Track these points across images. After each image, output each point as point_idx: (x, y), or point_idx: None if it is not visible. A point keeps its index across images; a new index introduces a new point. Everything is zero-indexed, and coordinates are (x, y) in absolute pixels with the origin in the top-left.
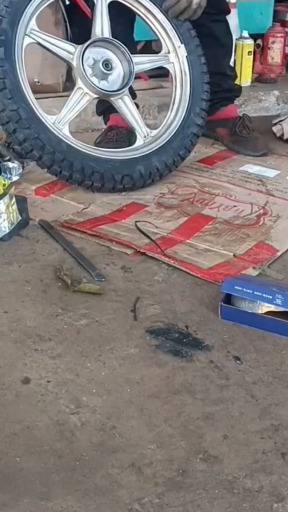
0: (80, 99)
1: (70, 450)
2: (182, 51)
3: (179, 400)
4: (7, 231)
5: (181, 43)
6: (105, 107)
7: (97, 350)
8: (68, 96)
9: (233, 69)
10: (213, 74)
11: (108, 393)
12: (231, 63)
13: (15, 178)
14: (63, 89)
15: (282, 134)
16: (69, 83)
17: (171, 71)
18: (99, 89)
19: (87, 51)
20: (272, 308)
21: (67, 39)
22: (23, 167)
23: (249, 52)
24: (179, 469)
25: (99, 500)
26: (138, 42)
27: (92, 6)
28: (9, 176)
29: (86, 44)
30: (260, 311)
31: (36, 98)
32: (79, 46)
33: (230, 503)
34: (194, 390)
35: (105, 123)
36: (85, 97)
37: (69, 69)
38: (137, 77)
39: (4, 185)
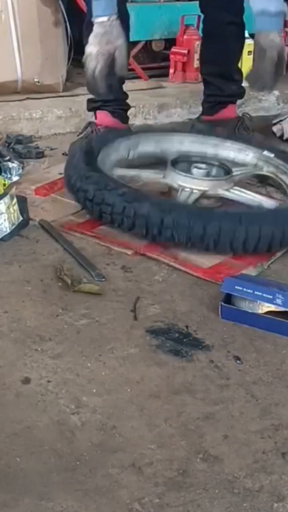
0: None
1: (70, 450)
2: None
3: (179, 400)
4: (8, 231)
5: None
6: (94, 105)
7: (97, 350)
8: (68, 96)
9: (241, 73)
10: (217, 76)
11: (108, 393)
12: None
13: (15, 178)
14: (63, 89)
15: (282, 134)
16: (68, 83)
17: None
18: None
19: None
20: (273, 308)
21: (67, 40)
22: (23, 167)
23: (249, 52)
24: (179, 469)
25: (99, 500)
26: (138, 42)
27: None
28: (9, 176)
29: None
30: (260, 311)
31: (36, 98)
32: None
33: (231, 503)
34: (195, 390)
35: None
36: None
37: (69, 69)
38: (137, 76)
39: (4, 185)
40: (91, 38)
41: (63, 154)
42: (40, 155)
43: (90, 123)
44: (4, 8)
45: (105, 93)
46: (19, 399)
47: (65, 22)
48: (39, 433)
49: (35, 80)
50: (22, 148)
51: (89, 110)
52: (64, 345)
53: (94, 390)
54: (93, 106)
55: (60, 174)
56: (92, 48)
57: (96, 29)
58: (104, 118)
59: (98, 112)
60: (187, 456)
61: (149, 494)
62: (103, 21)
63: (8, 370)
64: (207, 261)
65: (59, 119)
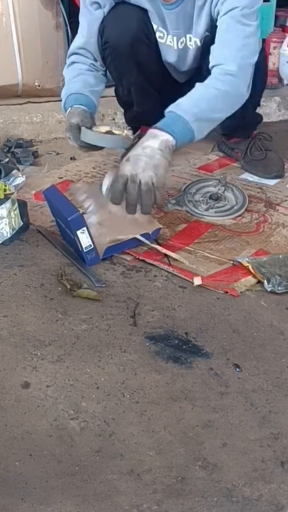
0: None
1: (69, 455)
2: None
3: (179, 407)
4: (9, 236)
5: None
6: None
7: (97, 356)
8: None
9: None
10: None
11: (107, 398)
12: None
13: (15, 183)
14: None
15: None
16: None
17: None
18: None
19: None
20: None
21: (68, 43)
22: (21, 172)
23: None
24: (178, 476)
25: (98, 505)
26: None
27: None
28: (10, 180)
29: None
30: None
31: (37, 102)
32: None
33: (229, 511)
34: (194, 397)
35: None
36: None
37: None
38: None
39: (4, 190)
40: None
41: (71, 158)
42: (35, 154)
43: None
44: (5, 12)
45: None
46: (19, 404)
47: (66, 25)
48: (38, 438)
49: (36, 83)
50: (21, 152)
51: (128, 124)
52: (63, 350)
53: (93, 396)
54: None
55: (60, 178)
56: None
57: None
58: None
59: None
60: (186, 463)
61: (148, 501)
62: (68, 112)
63: (7, 375)
64: (206, 268)
65: (60, 123)
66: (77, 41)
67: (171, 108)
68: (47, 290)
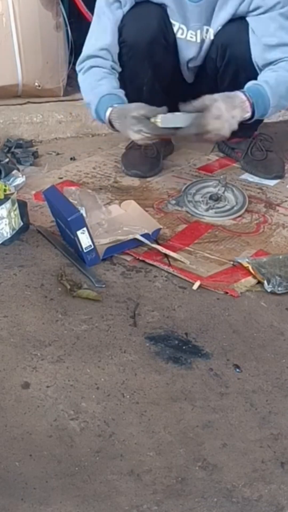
0: None
1: (69, 455)
2: None
3: (179, 407)
4: (9, 236)
5: None
6: None
7: (97, 356)
8: (68, 100)
9: None
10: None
11: (107, 399)
12: None
13: (15, 183)
14: (63, 94)
15: None
16: (69, 88)
17: None
18: None
19: None
20: None
21: (68, 44)
22: (21, 172)
23: None
24: (178, 476)
25: (98, 506)
26: None
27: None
28: (10, 180)
29: None
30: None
31: (37, 102)
32: None
33: None
34: (194, 397)
35: None
36: None
37: (70, 73)
38: None
39: (4, 190)
40: (118, 128)
41: (71, 159)
42: (35, 155)
43: None
44: (5, 12)
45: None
46: (19, 404)
47: (66, 26)
48: (38, 438)
49: (36, 84)
50: (21, 152)
51: None
52: (63, 351)
53: (93, 396)
54: None
55: (60, 178)
56: (118, 124)
57: (114, 120)
58: None
59: None
60: (186, 464)
61: (148, 501)
62: (111, 111)
63: (7, 375)
64: (206, 269)
65: (60, 123)
66: (98, 43)
67: (264, 83)
68: (47, 290)
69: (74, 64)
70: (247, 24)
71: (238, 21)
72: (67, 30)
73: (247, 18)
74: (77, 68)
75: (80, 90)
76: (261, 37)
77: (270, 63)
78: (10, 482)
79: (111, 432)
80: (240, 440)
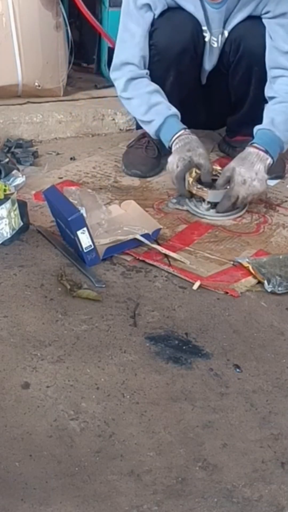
0: None
1: (69, 455)
2: None
3: (179, 407)
4: (9, 236)
5: None
6: None
7: (97, 356)
8: (68, 100)
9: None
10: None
11: (107, 399)
12: None
13: (15, 183)
14: (63, 94)
15: None
16: (69, 88)
17: None
18: None
19: None
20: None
21: (68, 44)
22: (21, 172)
23: None
24: (178, 476)
25: (98, 506)
26: None
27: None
28: (10, 180)
29: None
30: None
31: (37, 102)
32: None
33: None
34: (194, 397)
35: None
36: None
37: (70, 73)
38: None
39: (4, 190)
40: (173, 151)
41: (70, 158)
42: (35, 155)
43: (144, 135)
44: (5, 12)
45: (183, 192)
46: (18, 404)
47: (66, 26)
48: (38, 439)
49: (36, 84)
50: (21, 152)
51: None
52: (63, 351)
53: (93, 396)
54: None
55: (60, 178)
56: (172, 157)
57: (176, 144)
58: None
59: None
60: (186, 464)
61: (148, 502)
62: (179, 135)
63: (7, 375)
64: (206, 269)
65: (60, 123)
66: (131, 50)
67: (270, 125)
68: (47, 290)
69: (74, 64)
70: (261, 22)
71: (252, 18)
72: (67, 30)
73: (264, 21)
74: (112, 75)
75: (80, 90)
76: (274, 40)
77: (280, 69)
78: (10, 482)
79: (111, 432)
80: (240, 440)
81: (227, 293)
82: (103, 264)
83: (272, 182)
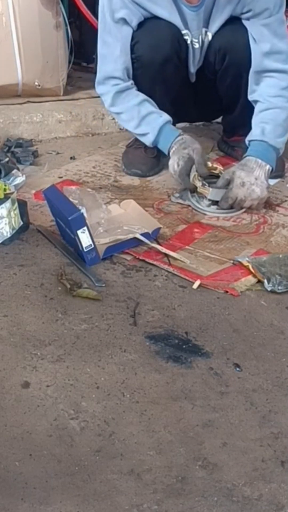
0: None
1: (69, 455)
2: None
3: (179, 406)
4: (9, 235)
5: None
6: None
7: (97, 355)
8: (68, 100)
9: None
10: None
11: (107, 398)
12: None
13: (15, 183)
14: (63, 93)
15: None
16: (69, 87)
17: None
18: None
19: None
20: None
21: (68, 43)
22: (21, 171)
23: None
24: (178, 475)
25: (98, 505)
26: None
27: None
28: (10, 179)
29: None
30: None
31: (37, 102)
32: None
33: (229, 511)
34: (194, 396)
35: None
36: None
37: (70, 72)
38: None
39: (4, 189)
40: (171, 154)
41: (70, 158)
42: (35, 154)
43: None
44: (5, 11)
45: (189, 186)
46: (18, 403)
47: (66, 25)
48: (38, 438)
49: (36, 83)
50: (21, 151)
51: None
52: (63, 350)
53: (93, 396)
54: None
55: (60, 177)
56: (172, 159)
57: (172, 148)
58: None
59: None
60: (186, 463)
61: (148, 501)
62: (176, 141)
63: (7, 374)
64: (206, 268)
65: (60, 123)
66: (112, 64)
67: (260, 135)
68: (47, 289)
69: (74, 63)
70: (245, 28)
71: (236, 25)
72: (67, 30)
73: (245, 23)
74: (98, 90)
75: (80, 90)
76: (258, 43)
77: (263, 71)
78: (10, 482)
79: (111, 431)
80: (240, 439)
81: (227, 292)
82: (103, 264)
83: (272, 182)
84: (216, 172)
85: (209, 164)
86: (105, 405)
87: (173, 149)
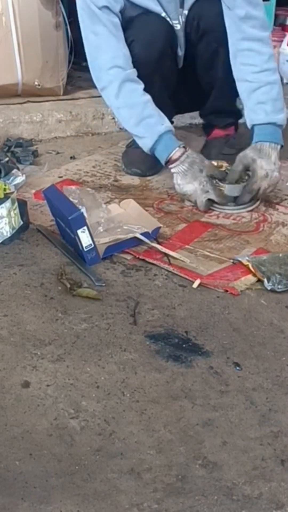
0: None
1: (69, 454)
2: None
3: (179, 405)
4: (9, 235)
5: None
6: None
7: (97, 355)
8: (68, 99)
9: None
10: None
11: (107, 397)
12: None
13: (15, 182)
14: (63, 93)
15: None
16: (69, 87)
17: None
18: None
19: None
20: None
21: (67, 43)
22: (21, 171)
23: None
24: (178, 474)
25: (98, 504)
26: None
27: None
28: (10, 179)
29: None
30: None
31: (37, 102)
32: None
33: (229, 510)
34: (194, 395)
35: None
36: None
37: (70, 72)
38: None
39: (4, 189)
40: (181, 176)
41: (70, 157)
42: (35, 154)
43: None
44: (4, 11)
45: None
46: (19, 403)
47: (65, 25)
48: (38, 437)
49: (36, 83)
50: (21, 151)
51: None
52: (63, 349)
53: (94, 395)
54: None
55: (60, 177)
56: (190, 184)
57: (179, 165)
58: None
59: None
60: (186, 462)
61: (148, 500)
62: (179, 155)
63: (7, 374)
64: (206, 267)
65: (60, 122)
66: (110, 53)
67: (264, 119)
68: (47, 289)
69: (74, 63)
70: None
71: None
72: (66, 29)
73: None
74: (100, 84)
75: (80, 89)
76: (232, 9)
77: (242, 40)
78: (10, 481)
79: (111, 430)
80: (240, 438)
81: (227, 291)
82: (103, 263)
83: None
84: (223, 169)
85: (215, 163)
86: (105, 405)
87: (182, 168)
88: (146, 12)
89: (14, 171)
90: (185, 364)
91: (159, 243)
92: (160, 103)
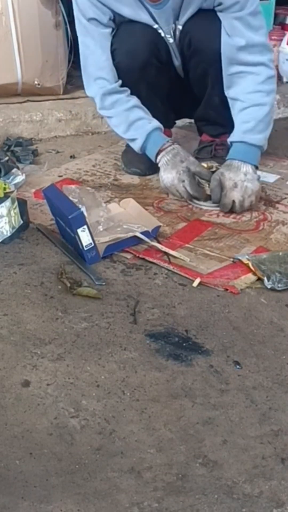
0: None
1: (69, 453)
2: None
3: (179, 404)
4: (9, 234)
5: None
6: None
7: (97, 354)
8: (68, 99)
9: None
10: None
11: (107, 396)
12: None
13: (15, 182)
14: (63, 92)
15: None
16: (69, 86)
17: None
18: None
19: None
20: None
21: (67, 42)
22: (21, 170)
23: None
24: (178, 473)
25: (98, 503)
26: None
27: None
28: (10, 178)
29: None
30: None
31: (36, 101)
32: None
33: (230, 508)
34: (194, 394)
35: None
36: None
37: (70, 71)
38: None
39: (4, 188)
40: (163, 169)
41: (70, 157)
42: (35, 153)
43: None
44: (4, 11)
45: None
46: (19, 402)
47: (65, 24)
48: (38, 436)
49: (36, 82)
50: (21, 150)
51: None
52: (63, 349)
53: (94, 394)
54: None
55: (60, 176)
56: (168, 172)
57: (163, 157)
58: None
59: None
60: (187, 460)
61: (148, 499)
62: (164, 148)
63: (7, 373)
64: (206, 266)
65: (60, 121)
66: (95, 65)
67: (242, 135)
68: (47, 288)
69: (74, 62)
70: (215, 18)
71: (205, 14)
72: (66, 29)
73: (219, 14)
74: (88, 93)
75: (79, 89)
76: (231, 37)
77: (239, 64)
78: (11, 481)
79: (111, 429)
80: (241, 436)
81: (227, 290)
82: (103, 262)
83: (271, 179)
84: (214, 170)
85: (204, 165)
86: (105, 403)
87: (165, 159)
88: (134, 21)
89: (14, 170)
90: (185, 363)
91: (159, 242)
92: (152, 111)
